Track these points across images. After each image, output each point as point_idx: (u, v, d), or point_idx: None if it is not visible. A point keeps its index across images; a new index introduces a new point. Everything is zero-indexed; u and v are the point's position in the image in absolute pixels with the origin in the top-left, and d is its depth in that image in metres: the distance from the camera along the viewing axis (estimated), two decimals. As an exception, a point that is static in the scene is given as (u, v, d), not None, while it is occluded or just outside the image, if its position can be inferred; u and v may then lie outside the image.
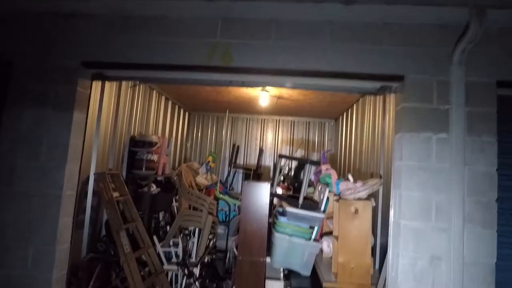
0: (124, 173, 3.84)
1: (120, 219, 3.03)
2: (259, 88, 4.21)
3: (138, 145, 3.94)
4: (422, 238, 2.10)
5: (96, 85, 2.90)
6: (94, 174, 3.09)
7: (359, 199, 2.86)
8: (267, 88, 4.12)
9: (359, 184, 2.93)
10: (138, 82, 3.89)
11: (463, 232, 2.06)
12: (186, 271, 3.20)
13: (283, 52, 2.25)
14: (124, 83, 3.65)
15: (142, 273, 3.09)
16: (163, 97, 5.10)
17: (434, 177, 2.12)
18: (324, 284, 2.79)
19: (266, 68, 2.27)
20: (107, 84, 3.16)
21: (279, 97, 4.38)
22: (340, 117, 5.71)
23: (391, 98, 2.80)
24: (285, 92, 4.30)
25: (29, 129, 2.40)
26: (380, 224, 3.07)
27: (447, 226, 2.08)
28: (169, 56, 2.35)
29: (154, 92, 4.74)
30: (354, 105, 4.69)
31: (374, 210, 2.87)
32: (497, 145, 2.13)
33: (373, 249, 2.97)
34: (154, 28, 2.39)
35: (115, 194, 3.26)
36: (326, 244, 3.29)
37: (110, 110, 3.47)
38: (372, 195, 2.98)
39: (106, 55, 2.40)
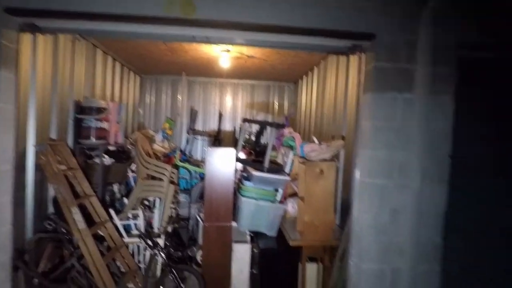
0: (70, 143, 3.41)
1: (71, 194, 2.73)
2: (220, 48, 3.93)
3: (84, 111, 3.50)
4: (386, 194, 2.21)
5: (26, 39, 2.40)
6: (34, 145, 2.68)
7: (324, 160, 2.92)
8: (228, 47, 3.85)
9: (324, 146, 2.97)
10: (78, 36, 3.35)
11: (421, 187, 2.21)
12: (150, 242, 3.06)
13: (254, 3, 2.03)
14: (62, 37, 3.11)
15: (100, 248, 2.89)
16: (110, 57, 4.53)
17: (399, 136, 2.19)
18: (291, 242, 2.89)
19: (234, 21, 2.05)
20: (41, 38, 2.65)
21: (249, 56, 4.15)
22: (300, 80, 5.68)
23: (355, 59, 2.79)
24: (246, 51, 4.07)
25: None
26: (341, 183, 3.20)
27: (408, 183, 2.20)
28: (118, 3, 1.99)
29: (99, 51, 4.17)
30: (315, 67, 4.66)
31: (336, 170, 2.96)
32: (453, 105, 2.24)
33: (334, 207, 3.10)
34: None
35: (62, 167, 2.90)
36: (291, 205, 3.38)
37: (46, 71, 2.96)
38: (335, 156, 3.07)
39: (37, 0, 1.95)
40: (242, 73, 5.42)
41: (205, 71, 5.38)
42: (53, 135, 3.10)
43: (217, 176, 3.22)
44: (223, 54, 4.07)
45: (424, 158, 2.18)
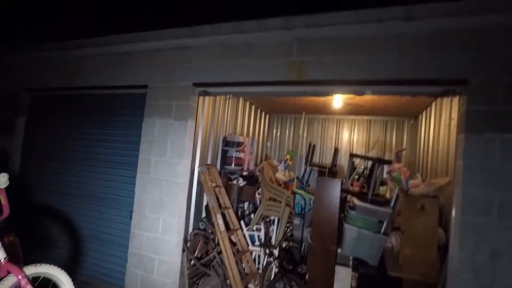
0: (218, 168, 4.70)
1: (217, 204, 3.84)
2: (332, 93, 4.57)
3: (228, 144, 4.76)
4: (482, 233, 2.23)
5: (200, 100, 3.77)
6: (198, 167, 3.98)
7: (426, 196, 3.02)
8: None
9: (426, 182, 3.08)
10: (230, 96, 4.74)
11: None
12: (267, 250, 3.83)
13: (350, 65, 2.64)
14: (218, 96, 4.50)
15: (233, 250, 3.85)
16: (248, 103, 5.89)
17: (497, 176, 2.22)
18: (390, 272, 3.06)
19: (336, 79, 2.70)
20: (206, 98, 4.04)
21: (348, 101, 4.65)
22: (420, 115, 5.57)
23: (456, 100, 2.87)
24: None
25: (159, 134, 3.37)
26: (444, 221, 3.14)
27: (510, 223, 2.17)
28: (255, 74, 3.00)
29: (241, 99, 5.56)
30: (433, 103, 4.61)
31: (448, 209, 2.96)
32: None
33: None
34: (242, 53, 3.07)
35: (213, 184, 4.11)
36: (395, 239, 3.49)
37: (207, 118, 4.35)
38: (444, 193, 3.09)
39: (209, 77, 3.20)
40: (357, 110, 5.82)
41: (323, 110, 6.07)
42: (209, 161, 4.42)
43: (324, 202, 3.74)
44: (336, 97, 4.68)
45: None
